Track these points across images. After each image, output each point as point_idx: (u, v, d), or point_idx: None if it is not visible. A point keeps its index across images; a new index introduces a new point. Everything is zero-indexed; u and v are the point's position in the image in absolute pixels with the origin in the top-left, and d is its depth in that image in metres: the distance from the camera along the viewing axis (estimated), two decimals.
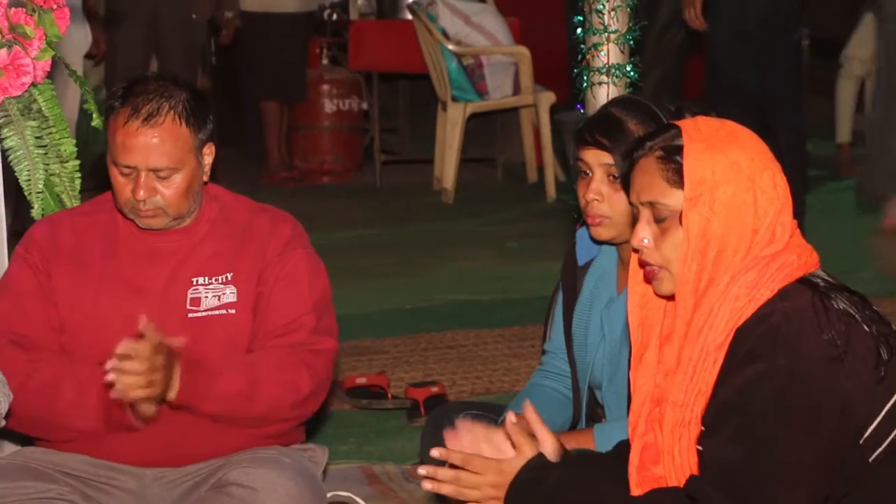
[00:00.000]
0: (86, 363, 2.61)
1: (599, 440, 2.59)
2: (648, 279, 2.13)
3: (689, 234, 2.04)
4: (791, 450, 1.96)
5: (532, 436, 2.18)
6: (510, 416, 2.18)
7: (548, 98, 7.16)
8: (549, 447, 2.17)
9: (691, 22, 5.97)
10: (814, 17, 6.22)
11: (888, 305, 4.76)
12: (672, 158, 2.06)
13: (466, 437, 2.18)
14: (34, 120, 2.85)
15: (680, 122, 2.11)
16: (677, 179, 2.05)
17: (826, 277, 2.09)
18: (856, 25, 7.40)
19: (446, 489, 2.15)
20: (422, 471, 2.17)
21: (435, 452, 2.17)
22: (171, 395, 2.53)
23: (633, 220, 2.14)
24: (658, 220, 2.08)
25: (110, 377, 2.46)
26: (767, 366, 1.97)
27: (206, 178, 2.68)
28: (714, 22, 5.88)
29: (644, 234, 2.09)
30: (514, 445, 2.16)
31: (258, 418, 2.63)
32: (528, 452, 2.14)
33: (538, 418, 2.19)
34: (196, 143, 2.62)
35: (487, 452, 2.17)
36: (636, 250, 2.13)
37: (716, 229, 2.03)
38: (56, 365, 2.62)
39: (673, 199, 2.06)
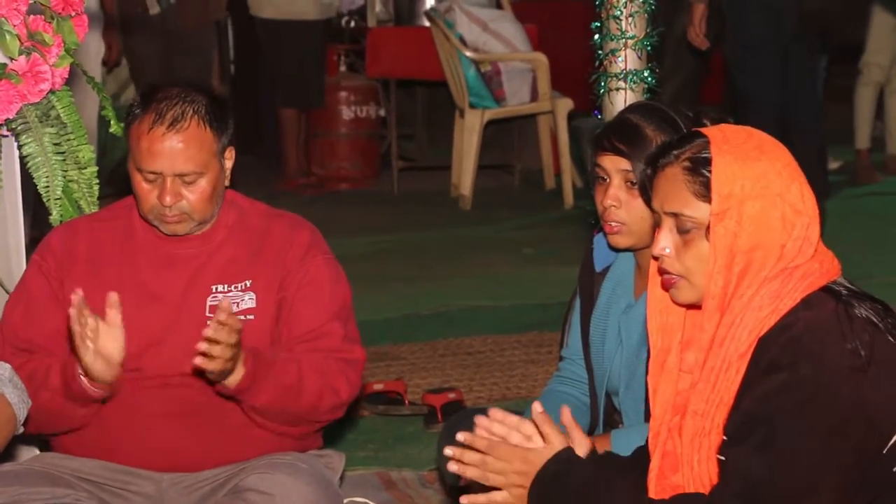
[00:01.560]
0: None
1: (616, 446, 2.58)
2: (666, 287, 2.11)
3: (715, 249, 2.02)
4: (814, 460, 1.95)
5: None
6: (535, 406, 2.16)
7: (565, 104, 7.15)
8: (583, 450, 2.16)
9: (693, 40, 5.97)
10: (831, 23, 6.20)
11: None
12: (700, 171, 2.04)
13: (497, 426, 2.17)
14: (52, 126, 2.86)
15: (707, 131, 2.08)
16: (704, 192, 2.03)
17: (849, 286, 2.07)
18: (869, 29, 7.39)
19: (471, 472, 2.14)
20: (448, 451, 2.15)
21: (461, 437, 2.15)
22: (237, 377, 2.52)
23: (654, 225, 2.12)
24: (681, 231, 2.06)
25: (204, 341, 2.42)
26: (790, 376, 1.96)
27: (227, 183, 2.69)
28: (726, 35, 5.88)
29: (666, 244, 2.08)
30: (542, 436, 2.15)
31: (299, 414, 2.63)
32: (557, 444, 2.13)
33: (574, 423, 2.17)
34: (219, 147, 2.63)
35: (516, 440, 2.16)
36: (656, 258, 2.12)
37: (743, 244, 2.02)
38: (38, 359, 2.63)
39: (699, 211, 2.04)
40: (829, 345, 1.97)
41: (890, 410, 1.97)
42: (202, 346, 2.43)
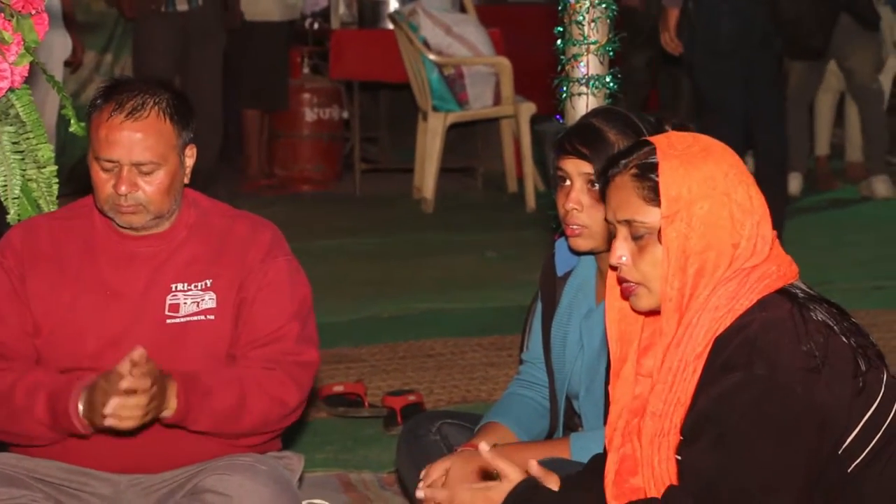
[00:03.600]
0: (42, 369, 2.61)
1: (576, 449, 2.59)
2: (626, 295, 2.13)
3: (668, 252, 2.04)
4: (767, 460, 1.97)
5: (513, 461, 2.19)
6: (483, 446, 2.18)
7: (528, 108, 7.17)
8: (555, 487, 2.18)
9: (667, 45, 5.99)
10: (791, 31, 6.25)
11: (864, 317, 4.78)
12: (647, 176, 2.06)
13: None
14: (11, 125, 2.84)
15: (653, 139, 2.11)
16: (653, 197, 2.06)
17: (805, 289, 2.10)
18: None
19: None
20: None
21: (420, 493, 2.20)
22: (167, 414, 2.53)
23: (610, 237, 2.14)
24: (635, 238, 2.08)
25: (109, 412, 2.44)
26: (745, 375, 1.98)
27: (186, 180, 2.68)
28: (691, 41, 5.90)
29: (622, 252, 2.09)
30: (497, 471, 2.17)
31: (245, 433, 2.63)
32: (515, 477, 2.15)
33: (543, 470, 2.18)
34: (179, 142, 2.62)
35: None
36: (614, 267, 2.13)
37: (695, 245, 2.04)
38: (17, 371, 2.61)
39: (650, 216, 2.06)
40: (784, 345, 1.99)
41: (843, 412, 1.99)
42: (113, 402, 2.43)
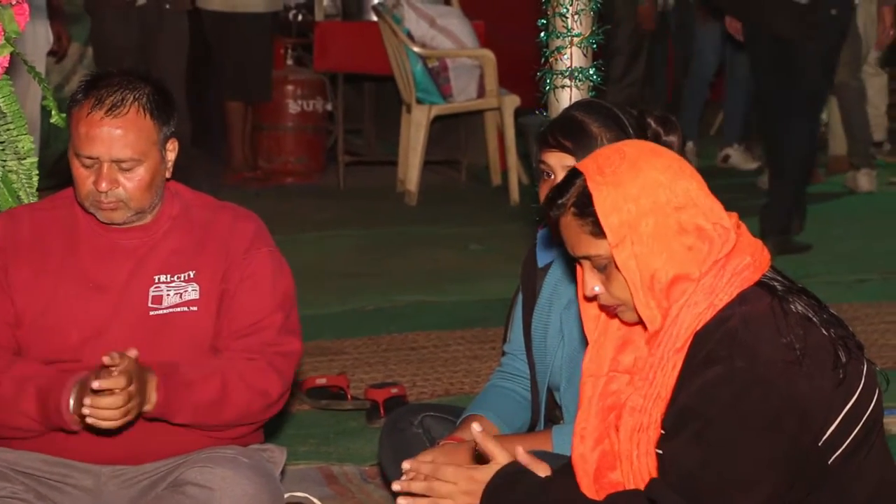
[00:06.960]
0: (28, 361, 2.60)
1: (557, 441, 2.59)
2: (611, 316, 2.14)
3: (629, 276, 2.04)
4: (748, 453, 1.97)
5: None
6: (475, 426, 2.18)
7: (512, 101, 7.17)
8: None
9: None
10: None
11: (847, 310, 4.79)
12: (586, 211, 2.06)
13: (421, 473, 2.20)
14: None
15: (581, 166, 2.10)
16: (598, 231, 2.05)
17: (783, 280, 2.10)
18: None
19: (421, 501, 2.16)
20: (396, 486, 2.17)
21: (406, 465, 2.19)
22: (148, 408, 2.52)
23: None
24: (599, 269, 2.09)
25: (87, 412, 2.44)
26: (726, 369, 1.98)
27: (168, 175, 2.67)
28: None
29: (592, 283, 2.10)
30: (486, 454, 2.17)
31: (226, 425, 2.63)
32: (502, 460, 2.15)
33: (532, 458, 2.18)
34: (160, 137, 2.61)
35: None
36: (590, 298, 2.13)
37: (654, 261, 2.04)
38: (1, 363, 2.60)
39: (603, 248, 2.06)
40: (765, 338, 1.99)
41: (824, 404, 2.00)
42: (87, 402, 2.43)
